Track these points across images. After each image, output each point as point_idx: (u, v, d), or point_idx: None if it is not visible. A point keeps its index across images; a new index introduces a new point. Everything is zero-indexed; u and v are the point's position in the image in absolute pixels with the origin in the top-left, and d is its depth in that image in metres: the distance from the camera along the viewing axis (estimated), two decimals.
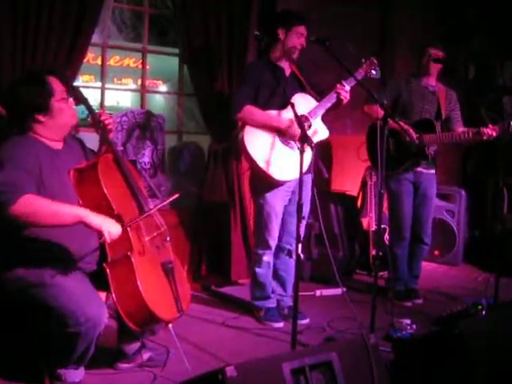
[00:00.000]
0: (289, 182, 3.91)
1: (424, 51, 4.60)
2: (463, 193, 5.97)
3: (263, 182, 3.94)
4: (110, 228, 2.67)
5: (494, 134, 4.30)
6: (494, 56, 6.59)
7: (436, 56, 4.54)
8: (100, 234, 2.66)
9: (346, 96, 3.92)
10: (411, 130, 4.38)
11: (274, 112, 3.91)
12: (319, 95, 4.00)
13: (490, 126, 4.31)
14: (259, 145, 3.87)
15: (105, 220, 2.68)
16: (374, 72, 4.01)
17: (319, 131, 3.94)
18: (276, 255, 4.15)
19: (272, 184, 3.91)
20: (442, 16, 6.33)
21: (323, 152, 4.10)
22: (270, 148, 3.87)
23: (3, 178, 2.61)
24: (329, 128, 4.01)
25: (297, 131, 3.79)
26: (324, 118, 4.00)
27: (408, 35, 5.81)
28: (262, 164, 3.84)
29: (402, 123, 4.16)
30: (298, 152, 3.83)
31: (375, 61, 4.02)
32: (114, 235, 2.68)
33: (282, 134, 3.88)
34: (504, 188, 4.63)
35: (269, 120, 3.88)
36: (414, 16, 6.07)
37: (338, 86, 3.91)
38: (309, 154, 3.64)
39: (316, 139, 3.79)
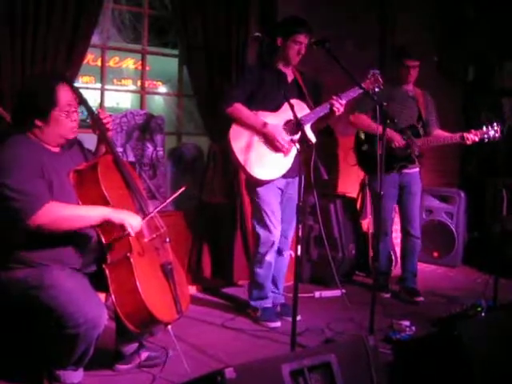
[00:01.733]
0: (274, 180, 3.98)
1: (400, 62, 4.68)
2: (462, 194, 5.97)
3: (252, 180, 4.00)
4: (132, 221, 2.76)
5: (477, 138, 4.47)
6: (493, 57, 6.61)
7: (413, 68, 4.66)
8: (123, 228, 2.74)
9: (339, 108, 3.93)
10: (399, 137, 4.57)
11: (261, 114, 3.95)
12: (315, 106, 4.02)
13: (472, 131, 4.49)
14: (243, 143, 3.94)
15: (125, 214, 2.77)
16: (377, 89, 4.01)
17: None
18: None
19: (259, 181, 3.97)
20: (441, 17, 6.33)
21: (323, 153, 4.09)
22: (253, 147, 3.94)
23: (20, 186, 2.62)
24: (330, 129, 4.02)
25: (277, 141, 3.89)
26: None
27: (407, 36, 5.80)
28: (243, 162, 3.92)
29: (391, 130, 4.38)
30: (280, 153, 3.95)
31: (380, 78, 4.03)
32: (137, 227, 2.78)
33: (265, 136, 3.94)
34: (503, 189, 4.65)
35: (254, 122, 3.93)
36: (414, 17, 6.07)
37: (334, 97, 3.93)
38: (292, 155, 3.87)
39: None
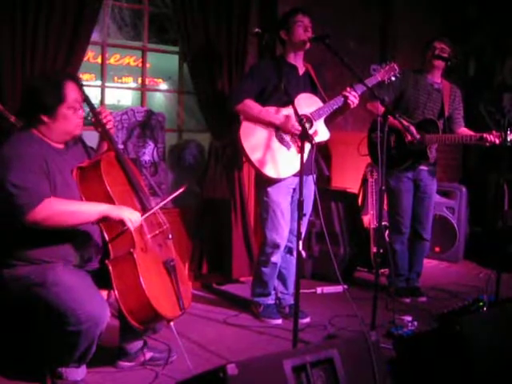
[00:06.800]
0: (286, 179, 3.88)
1: (430, 45, 4.53)
2: (464, 189, 5.98)
3: (263, 179, 3.92)
4: (131, 216, 2.76)
5: (497, 141, 4.26)
6: (493, 53, 6.60)
7: (441, 51, 4.48)
8: (123, 223, 2.74)
9: (353, 101, 3.83)
10: (413, 128, 4.35)
11: (272, 108, 3.87)
12: (328, 97, 3.94)
13: (494, 132, 4.28)
14: (254, 141, 3.85)
15: (124, 210, 2.77)
16: (393, 78, 3.96)
17: (320, 132, 3.88)
18: None
19: (270, 180, 3.90)
20: (442, 13, 6.32)
21: (323, 149, 4.07)
22: (265, 145, 3.85)
23: (21, 182, 2.64)
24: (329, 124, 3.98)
25: (292, 127, 3.78)
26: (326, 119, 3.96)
27: (409, 32, 5.80)
28: (255, 160, 3.82)
29: (403, 121, 4.06)
30: (293, 151, 3.85)
31: (396, 66, 3.96)
32: (137, 222, 2.79)
33: (278, 130, 3.85)
34: (504, 184, 4.62)
35: (266, 115, 3.85)
36: (415, 13, 6.07)
37: (348, 89, 3.84)
38: (306, 154, 3.56)
39: (316, 140, 3.74)
